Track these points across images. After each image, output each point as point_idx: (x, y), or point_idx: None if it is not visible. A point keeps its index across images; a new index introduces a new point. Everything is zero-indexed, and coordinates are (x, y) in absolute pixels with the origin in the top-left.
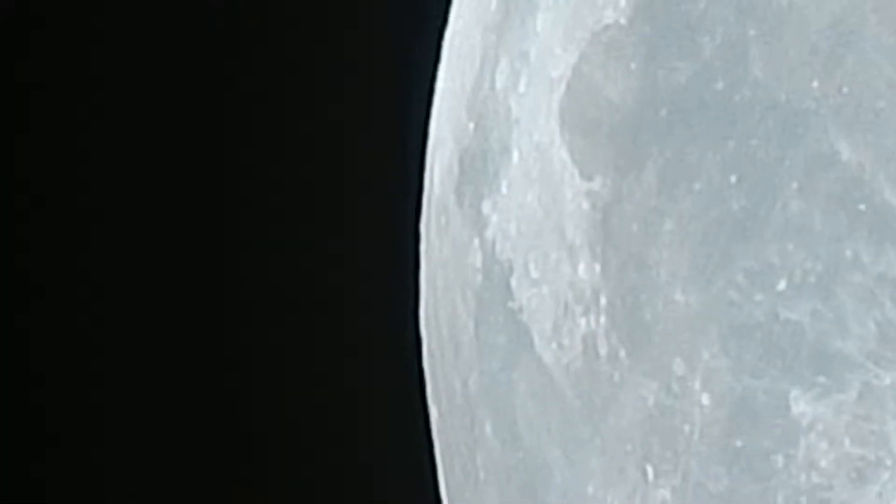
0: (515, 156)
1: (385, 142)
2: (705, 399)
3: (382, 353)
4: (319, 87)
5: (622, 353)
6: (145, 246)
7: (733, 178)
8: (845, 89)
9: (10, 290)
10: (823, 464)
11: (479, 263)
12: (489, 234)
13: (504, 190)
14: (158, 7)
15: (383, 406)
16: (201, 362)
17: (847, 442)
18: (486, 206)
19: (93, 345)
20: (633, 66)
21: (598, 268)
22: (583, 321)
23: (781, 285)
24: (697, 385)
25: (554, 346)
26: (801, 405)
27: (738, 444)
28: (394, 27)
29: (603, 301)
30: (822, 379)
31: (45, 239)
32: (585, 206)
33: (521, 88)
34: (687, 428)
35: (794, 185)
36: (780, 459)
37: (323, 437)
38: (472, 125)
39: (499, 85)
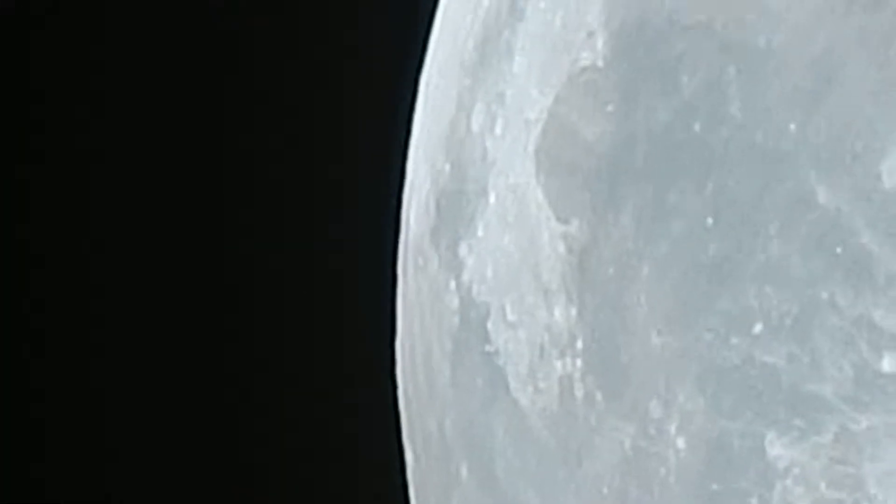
0: (492, 198)
1: (371, 170)
2: (681, 442)
3: (358, 394)
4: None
5: (598, 396)
6: (139, 243)
7: (710, 221)
8: (824, 131)
9: (9, 291)
10: None
11: (455, 306)
12: (466, 276)
13: (480, 232)
14: (158, 7)
15: (358, 447)
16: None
17: (823, 486)
18: (462, 249)
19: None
20: (609, 107)
21: (574, 311)
22: (559, 364)
23: (758, 328)
24: (673, 428)
25: (530, 389)
26: (777, 448)
27: (715, 487)
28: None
29: (579, 344)
30: (798, 422)
31: (42, 237)
32: (562, 249)
33: (498, 131)
34: (663, 471)
35: (772, 227)
36: (755, 503)
37: (295, 479)
38: (448, 167)
39: (475, 127)
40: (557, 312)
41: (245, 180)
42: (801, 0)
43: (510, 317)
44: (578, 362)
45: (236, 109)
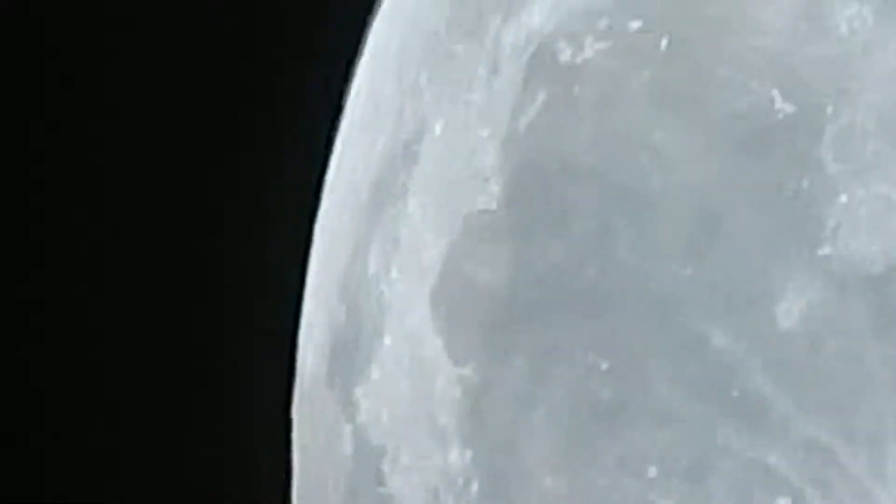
0: (387, 341)
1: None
2: None
3: None
4: None
5: None
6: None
7: (604, 365)
8: (717, 275)
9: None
10: None
11: (350, 450)
12: (361, 419)
13: (376, 375)
14: (158, 7)
15: None
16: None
17: None
18: (357, 392)
19: None
20: (504, 252)
21: (469, 454)
22: None
23: (652, 472)
24: None
25: None
26: None
27: None
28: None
29: (474, 487)
30: None
31: (38, 235)
32: (457, 392)
33: (394, 274)
34: None
35: (666, 371)
36: None
37: None
38: (344, 310)
39: (371, 270)
40: (452, 456)
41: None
42: (691, 146)
43: (405, 460)
44: None
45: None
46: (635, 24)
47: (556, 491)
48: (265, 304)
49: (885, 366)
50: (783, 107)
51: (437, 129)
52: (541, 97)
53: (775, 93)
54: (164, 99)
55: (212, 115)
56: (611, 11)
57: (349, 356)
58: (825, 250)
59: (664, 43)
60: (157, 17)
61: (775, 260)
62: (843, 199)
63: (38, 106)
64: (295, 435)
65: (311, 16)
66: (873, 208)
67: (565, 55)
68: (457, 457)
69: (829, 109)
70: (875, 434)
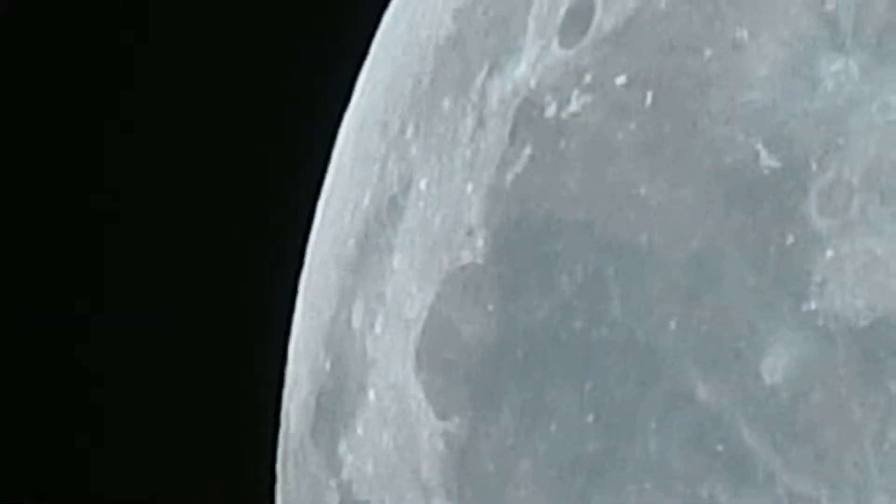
0: (372, 395)
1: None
2: None
3: None
4: None
5: None
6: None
7: (590, 418)
8: (704, 329)
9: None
10: None
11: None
12: (345, 474)
13: (360, 430)
14: (157, 7)
15: None
16: None
17: None
18: (342, 446)
19: None
20: (490, 306)
21: None
22: None
23: None
24: None
25: None
26: None
27: None
28: None
29: None
30: None
31: (35, 234)
32: (441, 446)
33: (378, 329)
34: None
35: (652, 424)
36: None
37: None
38: (328, 364)
39: (355, 324)
40: None
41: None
42: (679, 199)
43: None
44: None
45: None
46: (621, 79)
47: None
48: (250, 357)
49: (869, 417)
50: (769, 162)
51: (423, 183)
52: (527, 151)
53: (760, 147)
54: (163, 99)
55: (208, 175)
56: (596, 66)
57: (333, 411)
58: (811, 305)
59: (650, 97)
60: (157, 17)
61: (761, 314)
62: (830, 253)
63: (39, 106)
64: (279, 491)
65: (303, 73)
66: (859, 263)
67: (551, 109)
68: None
69: (815, 165)
70: (860, 484)
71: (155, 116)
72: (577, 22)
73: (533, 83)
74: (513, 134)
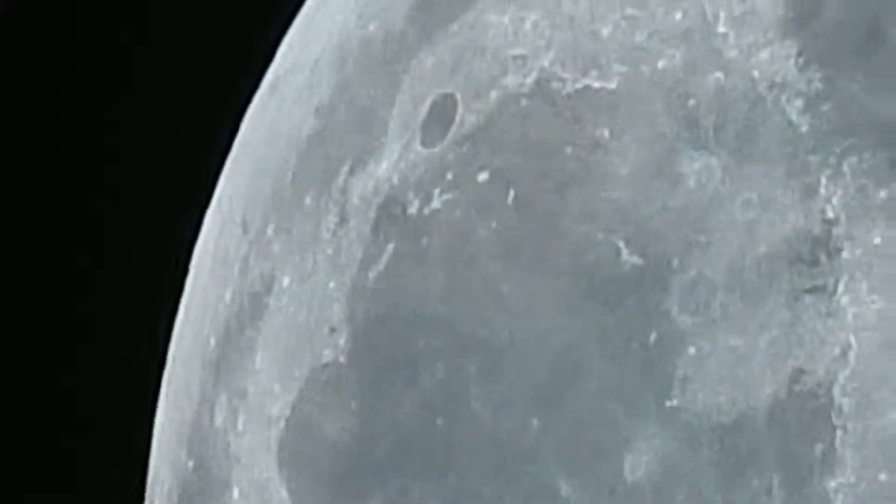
0: (235, 493)
1: None
2: None
3: None
4: None
5: None
6: None
7: None
8: (567, 426)
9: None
10: None
11: None
12: None
13: None
14: (157, 7)
15: None
16: None
17: None
18: None
19: None
20: (352, 404)
21: None
22: None
23: None
24: None
25: None
26: None
27: None
28: None
29: None
30: None
31: (35, 234)
32: None
33: (240, 426)
34: None
35: None
36: None
37: None
38: (191, 462)
39: (217, 422)
40: None
41: None
42: (541, 296)
43: None
44: None
45: None
46: (483, 176)
47: None
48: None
49: None
50: (630, 259)
51: (286, 281)
52: (389, 248)
53: (622, 245)
54: (163, 99)
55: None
56: (458, 163)
57: None
58: (674, 402)
59: (511, 195)
60: (156, 17)
61: (624, 412)
62: (692, 350)
63: (39, 106)
64: None
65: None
66: (721, 360)
67: (413, 206)
68: None
69: (676, 262)
70: None
71: (155, 116)
72: (438, 119)
73: (395, 180)
74: (375, 231)
